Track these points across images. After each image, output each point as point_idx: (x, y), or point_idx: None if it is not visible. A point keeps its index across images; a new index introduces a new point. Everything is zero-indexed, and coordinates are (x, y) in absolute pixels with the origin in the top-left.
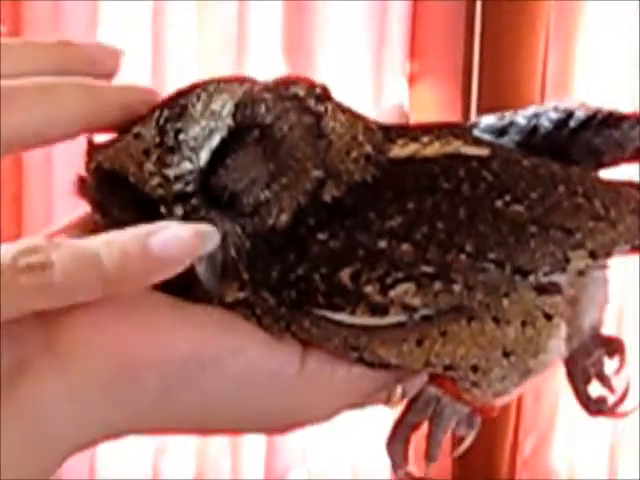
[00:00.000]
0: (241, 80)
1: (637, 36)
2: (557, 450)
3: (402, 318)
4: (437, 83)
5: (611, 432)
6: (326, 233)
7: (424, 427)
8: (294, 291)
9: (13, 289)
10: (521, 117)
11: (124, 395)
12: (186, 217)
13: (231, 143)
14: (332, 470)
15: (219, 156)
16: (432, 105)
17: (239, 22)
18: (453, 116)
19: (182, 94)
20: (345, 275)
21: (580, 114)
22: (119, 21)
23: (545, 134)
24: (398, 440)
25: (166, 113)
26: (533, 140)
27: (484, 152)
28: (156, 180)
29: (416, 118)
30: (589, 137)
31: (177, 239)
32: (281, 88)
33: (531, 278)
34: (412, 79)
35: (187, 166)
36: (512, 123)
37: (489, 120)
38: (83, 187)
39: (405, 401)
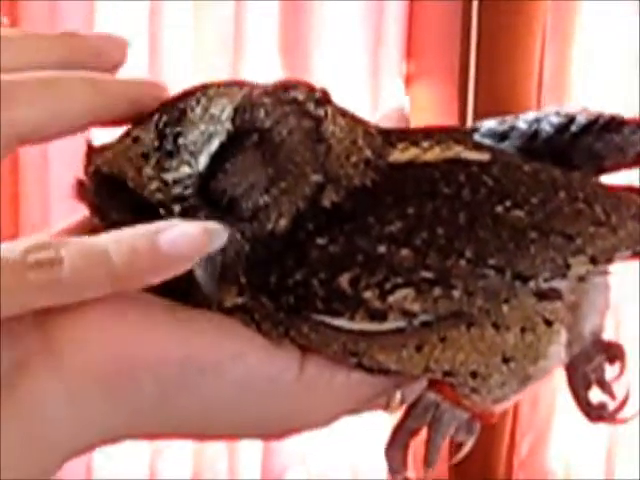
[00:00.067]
0: (240, 84)
1: (634, 36)
2: (554, 450)
3: (401, 324)
4: (434, 83)
5: (608, 432)
6: (325, 238)
7: (423, 433)
8: (293, 296)
9: (21, 285)
10: (522, 122)
11: (122, 398)
12: None
13: (230, 147)
14: (330, 470)
15: (218, 160)
16: (429, 105)
17: (236, 22)
18: (450, 116)
19: (181, 98)
20: (344, 280)
21: (581, 119)
22: (116, 21)
23: (546, 139)
24: (397, 446)
25: (165, 117)
26: (534, 145)
27: (485, 157)
28: (155, 184)
29: (413, 118)
30: (590, 142)
31: (185, 236)
32: (280, 92)
33: (531, 284)
34: (408, 79)
35: (186, 170)
36: (513, 127)
37: (490, 124)
38: (82, 190)
39: (404, 407)
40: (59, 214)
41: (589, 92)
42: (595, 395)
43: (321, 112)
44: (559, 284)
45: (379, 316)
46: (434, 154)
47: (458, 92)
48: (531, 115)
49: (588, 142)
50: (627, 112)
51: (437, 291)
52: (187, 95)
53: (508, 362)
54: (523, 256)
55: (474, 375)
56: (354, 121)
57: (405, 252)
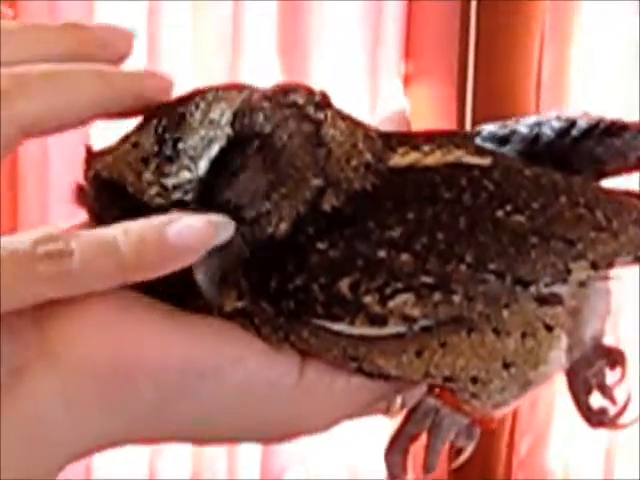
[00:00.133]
0: (240, 88)
1: (633, 36)
2: (553, 450)
3: (401, 329)
4: (432, 83)
5: (607, 433)
6: (325, 242)
7: (423, 437)
8: (293, 301)
9: (31, 277)
10: (523, 126)
11: (120, 403)
12: None
13: (230, 152)
14: (329, 471)
15: (218, 165)
16: (427, 105)
17: (234, 22)
18: (448, 116)
19: (180, 102)
20: (344, 285)
21: (582, 123)
22: (114, 20)
23: (547, 143)
24: (397, 450)
25: (164, 122)
26: (535, 149)
27: (486, 161)
28: (154, 189)
29: (411, 118)
30: (591, 146)
31: (191, 228)
32: (280, 96)
33: (532, 289)
34: (407, 79)
35: (186, 175)
36: (514, 132)
37: (491, 128)
38: (81, 195)
39: (404, 411)
40: (58, 216)
41: (588, 92)
42: (596, 400)
43: (321, 116)
44: (560, 289)
45: (379, 321)
46: (435, 158)
47: (457, 92)
48: (532, 119)
49: (589, 146)
50: (626, 112)
51: (437, 296)
52: (186, 100)
53: (508, 367)
54: (524, 261)
55: (474, 380)
56: (354, 124)
57: (405, 257)
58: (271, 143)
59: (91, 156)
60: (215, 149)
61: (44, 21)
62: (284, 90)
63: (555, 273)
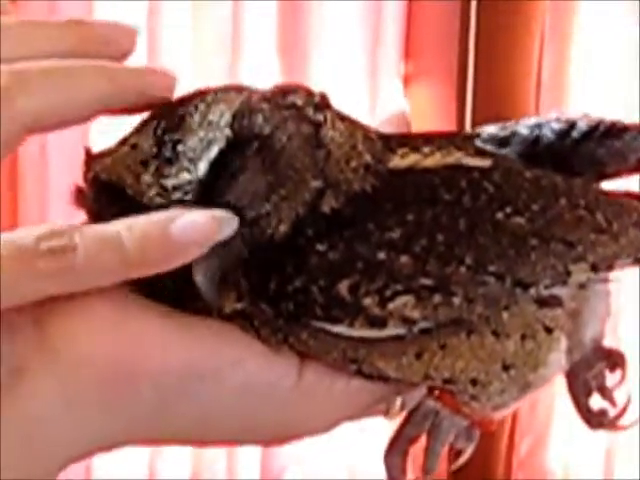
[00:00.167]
0: (238, 89)
1: (632, 36)
2: (553, 451)
3: (401, 331)
4: (432, 83)
5: (607, 434)
6: (325, 244)
7: (423, 439)
8: (292, 303)
9: (33, 273)
10: (523, 127)
11: (120, 404)
12: None
13: (229, 154)
14: (328, 471)
15: (218, 167)
16: (427, 105)
17: (234, 22)
18: (448, 116)
19: (178, 104)
20: (343, 287)
21: (582, 125)
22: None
23: (547, 145)
24: (396, 452)
25: (163, 124)
26: (535, 151)
27: (486, 163)
28: (154, 191)
29: (411, 119)
30: (591, 148)
31: (195, 223)
32: (279, 97)
33: (532, 291)
34: (407, 79)
35: (186, 176)
36: (514, 133)
37: (491, 130)
38: (80, 197)
39: (404, 413)
40: (58, 216)
41: (588, 92)
42: (595, 402)
43: (320, 117)
44: (560, 291)
45: (379, 323)
46: (435, 160)
47: (456, 92)
48: (532, 121)
49: (589, 148)
50: (626, 112)
51: (437, 298)
52: (184, 101)
53: (508, 369)
54: (524, 263)
55: (474, 382)
56: (353, 126)
57: (405, 259)
58: (270, 144)
59: (90, 158)
60: (214, 150)
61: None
62: (283, 91)
63: (555, 275)
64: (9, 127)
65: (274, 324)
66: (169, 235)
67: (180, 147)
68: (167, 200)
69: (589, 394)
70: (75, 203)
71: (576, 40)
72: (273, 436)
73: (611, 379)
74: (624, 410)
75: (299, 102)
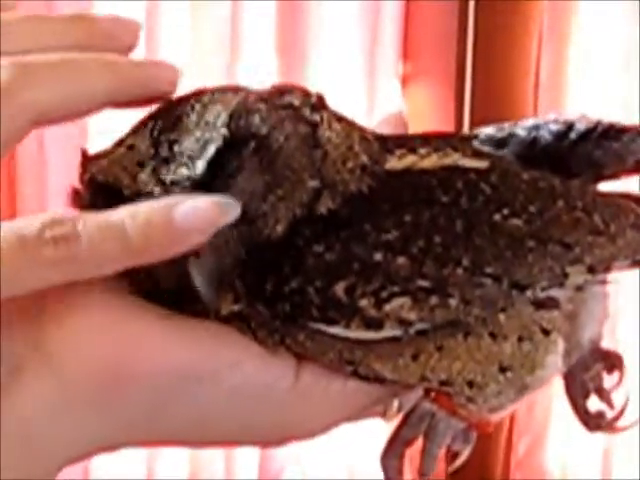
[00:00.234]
0: (235, 90)
1: (631, 36)
2: (551, 451)
3: (397, 332)
4: (430, 84)
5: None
6: (321, 245)
7: (420, 441)
8: (289, 304)
9: (37, 262)
10: (521, 129)
11: (118, 406)
12: None
13: (226, 154)
14: (326, 471)
15: (215, 167)
16: (425, 106)
17: (232, 22)
18: (446, 117)
19: (175, 105)
20: (340, 288)
21: (580, 126)
22: None
23: (545, 146)
24: (393, 455)
25: (160, 124)
26: (533, 152)
27: (483, 164)
28: (151, 187)
29: (409, 119)
30: (589, 149)
31: (197, 209)
32: (275, 97)
33: (529, 293)
34: (405, 80)
35: (184, 172)
36: (512, 134)
37: (488, 131)
38: (78, 198)
39: (401, 415)
40: None
41: (586, 92)
42: (593, 404)
43: (317, 117)
44: (557, 293)
45: (375, 324)
46: (432, 161)
47: (455, 92)
48: (530, 122)
49: (587, 150)
50: (624, 112)
51: (434, 300)
52: (181, 102)
53: (505, 371)
54: (520, 265)
55: (470, 384)
56: (350, 126)
57: (401, 260)
58: (267, 145)
59: (87, 160)
60: (211, 150)
61: None
62: (280, 91)
63: (552, 277)
64: (15, 119)
65: (271, 325)
66: (172, 221)
67: (177, 147)
68: (165, 193)
69: (587, 396)
70: (72, 204)
71: (574, 40)
72: (270, 437)
73: (609, 381)
74: (622, 412)
75: (296, 102)
